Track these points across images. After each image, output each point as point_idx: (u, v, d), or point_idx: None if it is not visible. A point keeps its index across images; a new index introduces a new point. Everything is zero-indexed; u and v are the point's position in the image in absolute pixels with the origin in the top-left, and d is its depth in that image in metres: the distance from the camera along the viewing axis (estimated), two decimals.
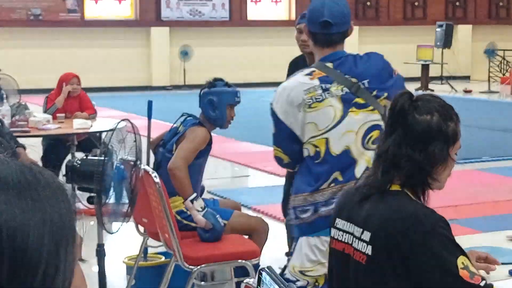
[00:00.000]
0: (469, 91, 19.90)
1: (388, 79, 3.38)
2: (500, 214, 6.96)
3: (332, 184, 3.26)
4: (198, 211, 4.29)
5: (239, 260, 4.29)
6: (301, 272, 3.34)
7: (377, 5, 23.96)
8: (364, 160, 3.24)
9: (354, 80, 3.30)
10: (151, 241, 4.82)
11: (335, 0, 3.43)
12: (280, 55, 24.28)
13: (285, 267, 5.08)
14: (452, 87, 20.39)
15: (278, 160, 3.43)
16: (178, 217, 4.43)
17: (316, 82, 3.28)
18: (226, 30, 22.12)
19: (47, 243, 0.96)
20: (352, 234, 2.34)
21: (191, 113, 4.72)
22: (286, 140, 3.33)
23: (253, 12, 22.86)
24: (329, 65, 3.33)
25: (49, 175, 1.02)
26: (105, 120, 7.94)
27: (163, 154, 4.55)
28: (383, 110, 3.16)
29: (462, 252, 2.20)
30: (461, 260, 2.17)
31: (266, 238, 4.64)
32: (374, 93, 3.30)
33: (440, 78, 21.77)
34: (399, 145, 2.27)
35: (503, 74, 22.59)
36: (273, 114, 3.34)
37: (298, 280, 3.33)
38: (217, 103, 4.60)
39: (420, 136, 2.27)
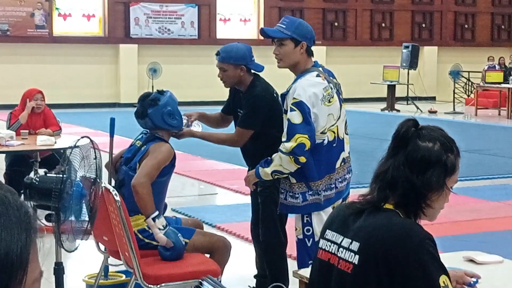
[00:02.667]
0: (434, 112, 20.13)
1: None
2: (461, 234, 7.04)
3: (342, 163, 4.23)
4: (160, 229, 4.30)
5: (200, 279, 4.29)
6: None
7: (344, 26, 24.18)
8: (347, 144, 4.29)
9: (335, 80, 4.29)
10: (111, 260, 4.80)
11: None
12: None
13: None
14: (417, 108, 20.60)
15: (301, 147, 4.00)
16: (140, 236, 4.42)
17: (326, 82, 4.16)
18: (194, 48, 22.17)
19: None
20: (339, 244, 2.40)
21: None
22: (311, 129, 4.03)
23: (222, 31, 22.95)
24: (321, 69, 4.24)
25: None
26: (70, 137, 7.90)
27: (126, 172, 4.54)
28: None
29: (445, 271, 2.27)
30: (442, 279, 2.24)
31: (228, 257, 4.65)
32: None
33: (406, 99, 21.99)
34: (398, 167, 2.35)
35: (468, 95, 22.89)
36: (302, 105, 4.01)
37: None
38: (175, 110, 4.61)
39: (419, 161, 2.35)
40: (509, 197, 8.87)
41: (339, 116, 4.20)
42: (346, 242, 2.37)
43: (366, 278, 2.29)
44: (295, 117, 4.01)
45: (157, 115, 4.56)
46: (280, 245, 4.88)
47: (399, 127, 2.43)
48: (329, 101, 4.12)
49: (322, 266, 2.47)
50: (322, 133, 4.12)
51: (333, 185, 4.19)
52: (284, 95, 4.21)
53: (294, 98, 4.03)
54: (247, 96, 4.80)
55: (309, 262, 4.12)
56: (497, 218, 7.78)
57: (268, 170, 4.13)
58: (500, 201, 8.63)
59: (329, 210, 4.16)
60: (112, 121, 5.13)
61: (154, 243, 4.39)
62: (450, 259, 3.21)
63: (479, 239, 6.81)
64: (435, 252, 2.28)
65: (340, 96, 4.26)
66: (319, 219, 4.16)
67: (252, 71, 4.85)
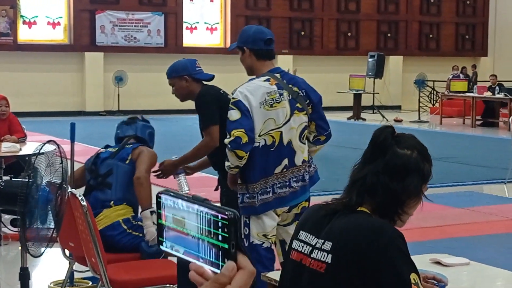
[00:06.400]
0: (400, 121, 20.28)
1: (313, 93, 4.36)
2: (427, 240, 7.10)
3: (284, 170, 4.23)
4: (154, 223, 4.43)
5: (167, 285, 4.28)
6: (264, 235, 4.25)
7: (311, 35, 24.29)
8: (301, 152, 4.28)
9: (295, 89, 4.28)
10: (77, 266, 4.76)
11: (263, 26, 4.63)
12: (215, 81, 24.23)
13: None
14: (383, 116, 20.75)
15: (236, 141, 4.08)
16: (124, 226, 4.51)
17: (274, 87, 4.22)
18: (161, 56, 22.11)
19: None
20: (312, 245, 2.41)
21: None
22: (250, 126, 4.11)
23: (188, 39, 22.93)
24: (277, 75, 4.29)
25: None
26: (35, 144, 7.82)
27: (113, 163, 4.72)
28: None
29: (415, 270, 2.30)
30: (413, 277, 2.26)
31: None
32: (307, 101, 4.31)
33: (372, 108, 22.14)
34: (377, 174, 2.38)
35: (433, 104, 23.13)
36: (239, 103, 4.12)
37: (264, 243, 4.25)
38: (153, 137, 5.05)
39: (399, 168, 2.39)
40: (474, 204, 8.97)
41: (285, 123, 4.21)
42: (318, 242, 2.39)
43: (339, 276, 2.31)
44: (233, 114, 4.14)
45: (144, 128, 5.00)
46: None
47: (377, 134, 2.46)
48: (271, 106, 4.17)
49: (294, 267, 2.48)
50: (258, 136, 4.17)
51: (270, 189, 4.21)
52: None
53: (232, 98, 4.20)
54: (195, 101, 4.87)
55: None
56: (462, 224, 7.87)
57: (226, 164, 4.24)
58: (465, 207, 8.73)
59: (271, 214, 4.25)
60: (72, 126, 5.20)
61: (134, 233, 4.51)
62: (417, 261, 3.22)
63: (445, 244, 6.87)
64: (405, 250, 2.30)
65: (298, 105, 4.25)
66: (256, 222, 4.27)
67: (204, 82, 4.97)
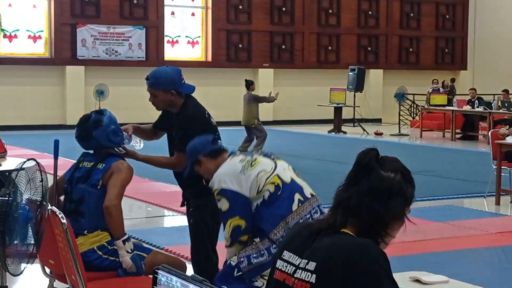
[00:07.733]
0: (380, 134, 20.37)
1: None
2: (407, 255, 7.12)
3: (299, 204, 4.09)
4: (128, 252, 4.35)
5: None
6: (261, 276, 4.06)
7: (291, 49, 24.37)
8: (306, 186, 4.21)
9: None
10: (57, 283, 4.73)
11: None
12: (196, 95, 24.23)
13: None
14: (364, 130, 20.83)
15: (236, 230, 4.03)
16: (99, 252, 4.43)
17: (242, 156, 4.24)
18: (142, 70, 22.07)
19: None
20: (295, 265, 2.43)
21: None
22: (242, 207, 4.05)
23: (170, 53, 22.94)
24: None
25: None
26: (15, 159, 7.77)
27: (85, 190, 4.51)
28: None
29: None
30: None
31: None
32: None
33: (353, 121, 22.23)
34: (362, 195, 2.41)
35: (413, 118, 23.26)
36: (225, 192, 4.07)
37: (256, 281, 4.08)
38: (117, 127, 4.71)
39: (382, 191, 2.42)
40: (454, 218, 9.01)
41: (275, 168, 4.16)
42: (302, 262, 2.41)
43: None
44: (223, 205, 4.10)
45: (102, 135, 4.61)
46: (211, 265, 4.88)
47: (361, 156, 2.49)
48: (252, 165, 4.15)
49: (277, 286, 2.49)
50: (259, 192, 4.09)
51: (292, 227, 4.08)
52: None
53: (215, 190, 4.13)
54: (179, 118, 4.85)
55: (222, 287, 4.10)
56: (442, 239, 7.90)
57: (238, 266, 4.07)
58: (445, 221, 8.77)
59: None
60: (56, 143, 5.09)
61: (111, 258, 4.42)
62: (397, 279, 3.24)
63: (425, 259, 6.90)
64: (388, 269, 2.33)
65: (272, 156, 4.28)
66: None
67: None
